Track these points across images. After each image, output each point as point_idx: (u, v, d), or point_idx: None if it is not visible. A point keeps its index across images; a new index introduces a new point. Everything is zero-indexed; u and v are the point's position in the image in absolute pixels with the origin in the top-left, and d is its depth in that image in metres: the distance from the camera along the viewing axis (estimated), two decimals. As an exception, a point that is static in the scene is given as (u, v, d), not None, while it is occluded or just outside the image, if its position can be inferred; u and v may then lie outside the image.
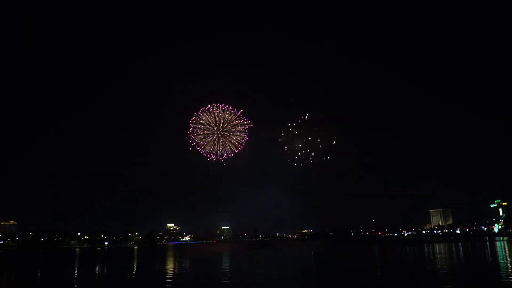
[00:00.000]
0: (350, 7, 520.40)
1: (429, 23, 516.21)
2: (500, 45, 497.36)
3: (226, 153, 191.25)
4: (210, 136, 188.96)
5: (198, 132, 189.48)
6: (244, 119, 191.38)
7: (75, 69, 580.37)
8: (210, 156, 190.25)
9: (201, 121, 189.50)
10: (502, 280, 45.06)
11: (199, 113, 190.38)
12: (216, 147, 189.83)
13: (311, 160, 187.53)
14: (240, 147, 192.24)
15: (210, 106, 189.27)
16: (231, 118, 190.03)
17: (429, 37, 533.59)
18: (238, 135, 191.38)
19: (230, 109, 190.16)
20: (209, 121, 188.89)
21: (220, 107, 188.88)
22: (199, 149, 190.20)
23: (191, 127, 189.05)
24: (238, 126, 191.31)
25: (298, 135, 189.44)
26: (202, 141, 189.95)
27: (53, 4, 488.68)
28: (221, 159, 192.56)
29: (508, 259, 72.68)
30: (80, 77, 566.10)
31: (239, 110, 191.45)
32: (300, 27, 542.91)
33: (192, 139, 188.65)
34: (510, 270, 53.88)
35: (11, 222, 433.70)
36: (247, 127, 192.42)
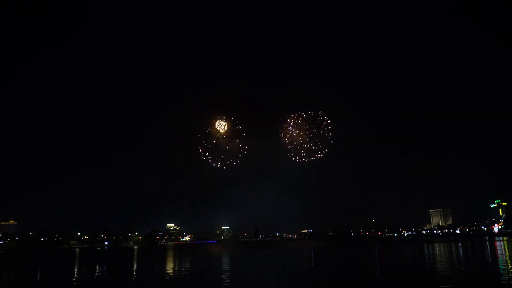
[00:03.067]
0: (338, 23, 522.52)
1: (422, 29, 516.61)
2: (499, 49, 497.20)
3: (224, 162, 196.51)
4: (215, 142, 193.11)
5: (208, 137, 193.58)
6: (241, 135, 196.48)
7: (83, 76, 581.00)
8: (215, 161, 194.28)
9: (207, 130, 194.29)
10: (502, 280, 45.06)
11: (207, 122, 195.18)
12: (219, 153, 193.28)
13: (308, 158, 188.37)
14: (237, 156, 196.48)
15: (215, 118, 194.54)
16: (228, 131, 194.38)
17: (428, 43, 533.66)
18: (235, 148, 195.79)
19: (228, 121, 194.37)
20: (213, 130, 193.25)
21: (222, 122, 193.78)
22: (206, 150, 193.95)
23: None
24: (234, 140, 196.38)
25: (297, 134, 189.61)
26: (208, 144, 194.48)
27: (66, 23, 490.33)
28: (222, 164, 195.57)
29: (508, 259, 72.66)
30: (86, 86, 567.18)
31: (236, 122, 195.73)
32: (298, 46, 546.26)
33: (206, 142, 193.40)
34: (510, 271, 53.88)
35: (11, 222, 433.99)
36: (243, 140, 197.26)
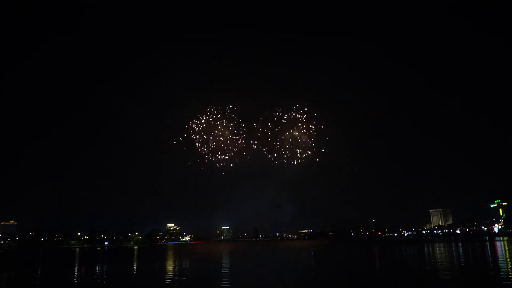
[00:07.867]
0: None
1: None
2: (499, 49, 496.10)
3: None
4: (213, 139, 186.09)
5: (201, 133, 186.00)
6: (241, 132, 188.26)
7: (80, 73, 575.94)
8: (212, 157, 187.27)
9: (205, 125, 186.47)
10: (502, 280, 45.03)
11: (203, 116, 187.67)
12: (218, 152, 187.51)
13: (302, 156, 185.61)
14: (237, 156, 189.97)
15: (214, 110, 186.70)
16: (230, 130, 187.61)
17: (428, 43, 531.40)
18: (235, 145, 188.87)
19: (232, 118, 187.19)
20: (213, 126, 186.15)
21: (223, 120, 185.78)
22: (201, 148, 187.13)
23: (194, 127, 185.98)
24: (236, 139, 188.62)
25: (295, 132, 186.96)
26: (205, 141, 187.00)
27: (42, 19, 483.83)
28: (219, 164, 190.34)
29: (508, 260, 72.65)
30: (77, 76, 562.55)
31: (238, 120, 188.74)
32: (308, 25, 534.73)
33: (196, 139, 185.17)
34: (510, 271, 53.85)
35: (11, 222, 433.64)
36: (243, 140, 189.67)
